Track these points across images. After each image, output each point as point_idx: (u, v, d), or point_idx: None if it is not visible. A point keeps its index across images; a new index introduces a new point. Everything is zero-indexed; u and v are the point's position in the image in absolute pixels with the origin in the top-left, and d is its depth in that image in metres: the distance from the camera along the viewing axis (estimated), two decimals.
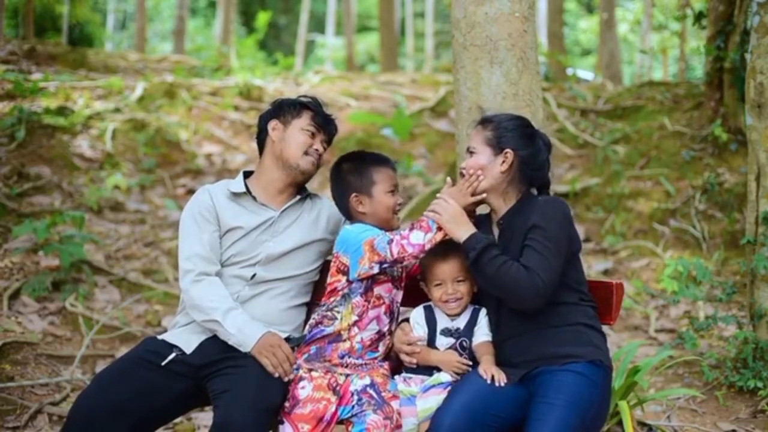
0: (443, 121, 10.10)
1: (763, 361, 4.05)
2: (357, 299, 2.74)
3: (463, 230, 2.64)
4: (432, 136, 9.69)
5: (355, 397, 2.66)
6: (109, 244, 6.47)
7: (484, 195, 2.75)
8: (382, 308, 2.77)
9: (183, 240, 2.90)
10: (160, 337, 2.90)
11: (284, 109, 3.01)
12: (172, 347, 2.82)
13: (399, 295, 2.84)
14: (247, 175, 3.06)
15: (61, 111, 8.41)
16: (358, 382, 2.69)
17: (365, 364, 2.75)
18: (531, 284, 2.55)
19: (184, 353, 2.80)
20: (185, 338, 2.84)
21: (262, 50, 20.65)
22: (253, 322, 2.78)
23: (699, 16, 7.43)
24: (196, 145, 9.23)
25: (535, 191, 2.84)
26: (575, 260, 2.74)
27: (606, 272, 6.45)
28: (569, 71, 13.85)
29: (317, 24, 27.14)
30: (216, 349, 2.80)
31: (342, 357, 2.74)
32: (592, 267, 6.52)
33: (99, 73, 10.83)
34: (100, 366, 4.64)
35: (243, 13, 25.98)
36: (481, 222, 2.92)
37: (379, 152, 2.97)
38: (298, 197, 3.02)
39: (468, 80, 3.51)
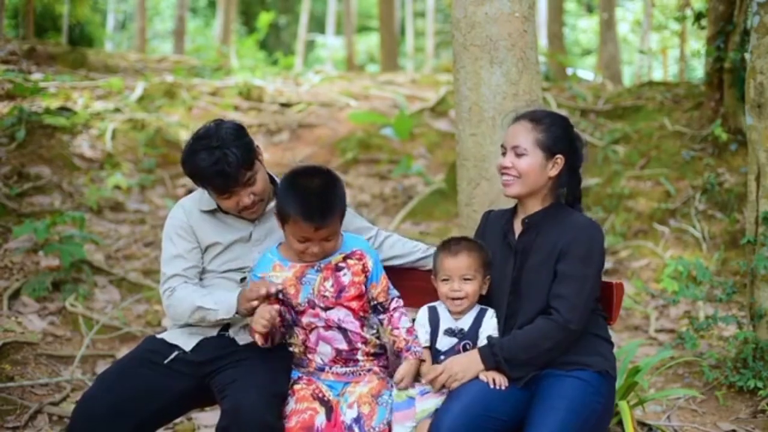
0: (443, 121, 10.09)
1: (763, 361, 4.05)
2: (297, 329, 2.73)
3: (473, 367, 2.62)
4: (432, 136, 9.69)
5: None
6: (109, 244, 6.47)
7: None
8: (319, 330, 2.70)
9: (162, 260, 2.89)
10: (159, 336, 2.91)
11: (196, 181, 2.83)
12: (172, 346, 2.82)
13: (336, 313, 2.68)
14: None
15: (62, 111, 8.40)
16: (347, 413, 2.63)
17: (350, 372, 2.73)
18: (558, 326, 2.57)
19: (185, 352, 2.80)
20: (184, 339, 2.84)
21: (262, 50, 20.64)
22: (228, 292, 2.76)
23: (699, 17, 7.43)
24: None
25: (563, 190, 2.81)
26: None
27: (606, 272, 6.44)
28: (569, 71, 13.85)
29: (317, 24, 27.12)
30: (215, 347, 2.80)
31: (320, 369, 2.73)
32: None
33: (99, 73, 10.82)
34: (100, 366, 4.64)
35: (243, 13, 25.96)
36: (488, 221, 2.91)
37: (323, 198, 2.58)
38: (273, 203, 2.90)
39: (468, 80, 3.50)
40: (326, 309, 2.68)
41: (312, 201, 2.57)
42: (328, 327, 2.69)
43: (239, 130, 2.77)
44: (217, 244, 2.86)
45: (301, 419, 2.59)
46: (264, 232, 2.90)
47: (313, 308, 2.68)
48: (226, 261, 2.88)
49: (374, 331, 2.79)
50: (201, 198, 2.92)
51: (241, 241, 2.88)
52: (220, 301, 2.74)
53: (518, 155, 2.70)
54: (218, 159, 2.67)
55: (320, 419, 2.60)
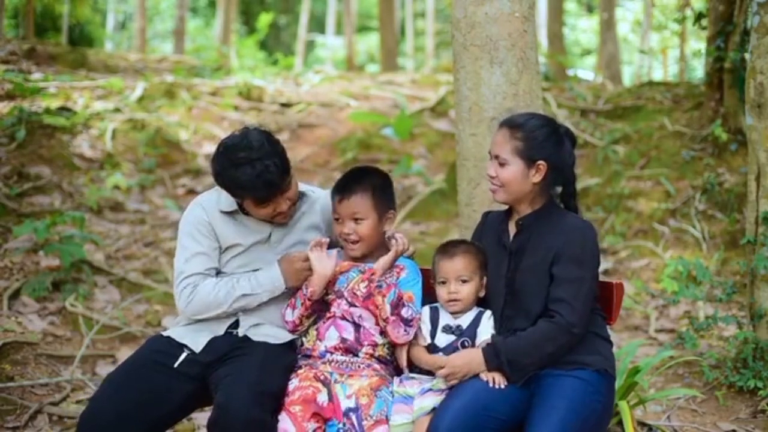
0: (443, 121, 10.09)
1: (763, 361, 4.05)
2: (319, 320, 2.84)
3: (475, 365, 2.62)
4: (432, 136, 9.68)
5: (343, 419, 2.65)
6: (109, 244, 6.47)
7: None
8: (336, 319, 2.80)
9: (181, 257, 2.87)
10: (165, 334, 2.88)
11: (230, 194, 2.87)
12: (181, 346, 2.80)
13: (359, 311, 2.79)
14: None
15: (61, 111, 8.40)
16: (344, 402, 2.67)
17: (349, 362, 2.76)
18: (561, 328, 2.58)
19: (194, 352, 2.79)
20: (192, 337, 2.83)
21: (262, 50, 20.63)
22: (262, 271, 2.82)
23: (699, 17, 7.43)
24: (196, 145, 9.21)
25: (558, 189, 2.82)
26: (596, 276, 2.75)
27: (606, 272, 6.44)
28: (569, 71, 13.85)
29: (317, 24, 27.11)
30: (224, 345, 2.80)
31: (321, 356, 2.78)
32: None
33: (99, 73, 10.82)
34: (100, 366, 4.64)
35: (243, 13, 25.96)
36: (487, 221, 2.92)
37: (357, 179, 2.82)
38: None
39: (468, 80, 3.50)
40: (351, 305, 2.78)
41: (342, 179, 2.83)
42: (343, 318, 2.79)
43: (271, 138, 2.80)
44: (238, 245, 2.87)
45: (303, 393, 2.65)
46: (282, 233, 2.92)
47: (339, 298, 2.79)
48: (243, 263, 2.87)
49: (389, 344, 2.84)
50: (219, 199, 2.91)
51: (261, 242, 2.89)
52: (258, 284, 2.80)
53: (500, 164, 2.70)
54: (261, 171, 2.69)
55: (323, 397, 2.66)
